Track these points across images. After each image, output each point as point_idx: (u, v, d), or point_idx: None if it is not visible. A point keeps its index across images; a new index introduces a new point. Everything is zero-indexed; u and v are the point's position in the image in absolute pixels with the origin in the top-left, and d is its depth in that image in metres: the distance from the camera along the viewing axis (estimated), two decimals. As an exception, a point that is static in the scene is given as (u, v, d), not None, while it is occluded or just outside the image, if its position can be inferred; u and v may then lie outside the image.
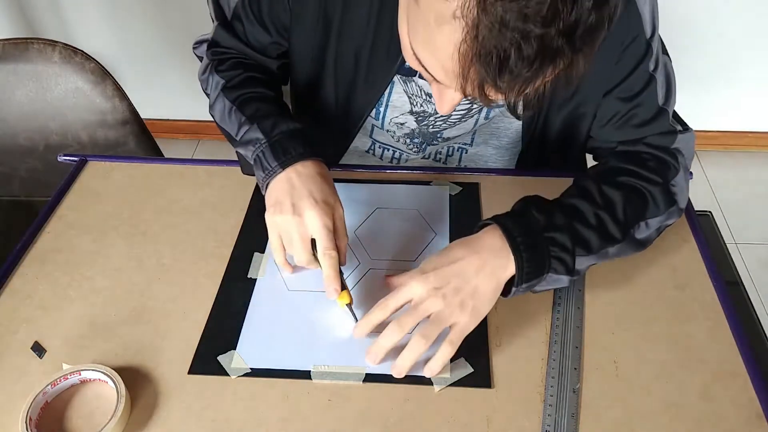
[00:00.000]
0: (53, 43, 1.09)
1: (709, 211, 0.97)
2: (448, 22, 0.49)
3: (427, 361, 0.64)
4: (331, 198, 0.71)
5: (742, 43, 1.96)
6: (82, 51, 1.10)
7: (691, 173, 0.86)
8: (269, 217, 0.71)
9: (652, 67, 0.76)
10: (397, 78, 0.82)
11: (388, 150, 0.95)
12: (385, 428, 0.61)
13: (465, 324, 0.64)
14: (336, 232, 0.70)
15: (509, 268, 0.66)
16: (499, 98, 0.54)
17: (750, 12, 1.89)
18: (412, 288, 0.65)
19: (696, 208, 0.83)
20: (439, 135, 0.89)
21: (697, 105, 2.08)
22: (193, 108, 2.10)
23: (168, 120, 2.21)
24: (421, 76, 0.80)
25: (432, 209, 0.84)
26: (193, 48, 0.92)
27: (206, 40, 0.89)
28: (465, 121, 0.86)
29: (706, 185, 2.08)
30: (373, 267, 0.76)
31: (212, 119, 0.86)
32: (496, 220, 0.68)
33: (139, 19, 1.99)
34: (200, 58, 0.91)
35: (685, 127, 0.80)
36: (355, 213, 0.83)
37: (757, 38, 1.95)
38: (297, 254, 0.70)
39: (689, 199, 0.82)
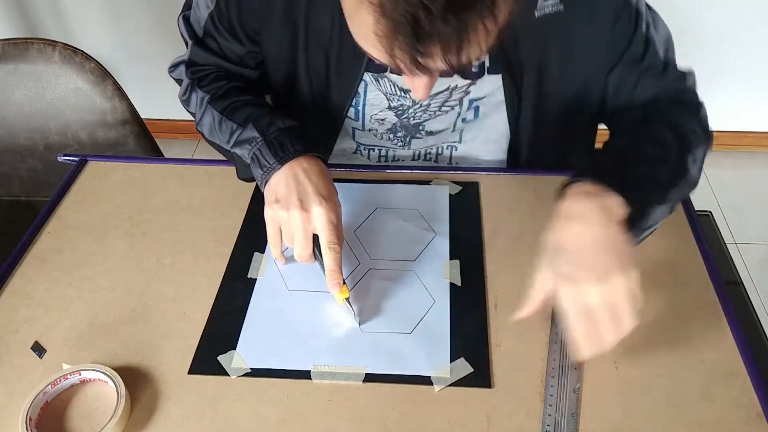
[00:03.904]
0: (53, 43, 1.09)
1: (709, 211, 0.97)
2: (359, 10, 0.51)
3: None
4: (336, 195, 0.71)
5: (742, 43, 1.96)
6: (82, 51, 1.10)
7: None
8: (272, 212, 0.70)
9: (644, 28, 0.79)
10: (369, 77, 0.83)
11: (374, 150, 0.95)
12: (385, 428, 0.61)
13: (630, 284, 0.60)
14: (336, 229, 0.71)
15: (620, 203, 0.62)
16: (439, 64, 0.54)
17: (751, 12, 1.89)
18: (573, 297, 0.60)
19: (696, 208, 0.83)
20: (421, 127, 0.89)
21: (697, 105, 2.08)
22: (193, 108, 2.10)
23: (168, 120, 2.21)
24: (392, 71, 0.81)
25: (432, 209, 0.84)
26: (169, 71, 0.92)
27: (182, 62, 0.89)
28: (446, 113, 0.86)
29: (706, 185, 2.08)
30: (373, 267, 0.76)
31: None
32: (580, 179, 0.65)
33: (139, 19, 1.99)
34: (177, 81, 0.91)
35: (688, 69, 0.84)
36: (355, 213, 0.83)
37: (758, 38, 1.95)
38: (299, 249, 0.70)
39: (689, 198, 0.82)
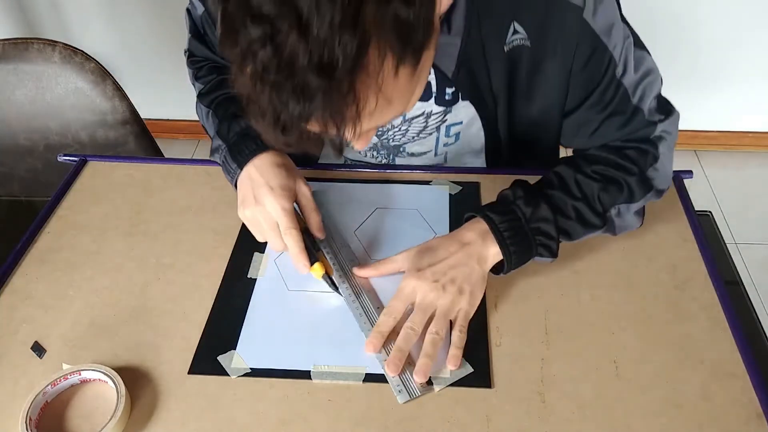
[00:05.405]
0: (53, 43, 1.09)
1: (709, 211, 0.97)
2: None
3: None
4: (290, 181, 0.74)
5: (743, 43, 1.96)
6: (82, 51, 1.10)
7: (690, 172, 0.86)
8: (240, 214, 0.75)
9: (618, 73, 0.73)
10: None
11: (361, 163, 0.96)
12: (385, 428, 0.61)
13: (468, 309, 0.68)
14: (303, 209, 0.75)
15: (497, 256, 0.70)
16: (316, 127, 0.50)
17: (750, 11, 1.89)
18: (413, 288, 0.68)
19: (696, 208, 0.83)
20: (402, 149, 0.90)
21: (697, 105, 2.08)
22: (193, 108, 2.10)
23: (168, 120, 2.21)
24: None
25: (432, 209, 0.84)
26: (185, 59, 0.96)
27: (185, 50, 0.93)
28: (424, 138, 0.86)
29: (706, 185, 2.08)
30: (373, 267, 0.76)
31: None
32: (483, 215, 0.71)
33: (139, 19, 1.99)
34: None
35: (668, 113, 0.77)
36: (355, 213, 0.83)
37: (758, 38, 1.95)
38: (270, 241, 0.73)
39: (689, 198, 0.82)
